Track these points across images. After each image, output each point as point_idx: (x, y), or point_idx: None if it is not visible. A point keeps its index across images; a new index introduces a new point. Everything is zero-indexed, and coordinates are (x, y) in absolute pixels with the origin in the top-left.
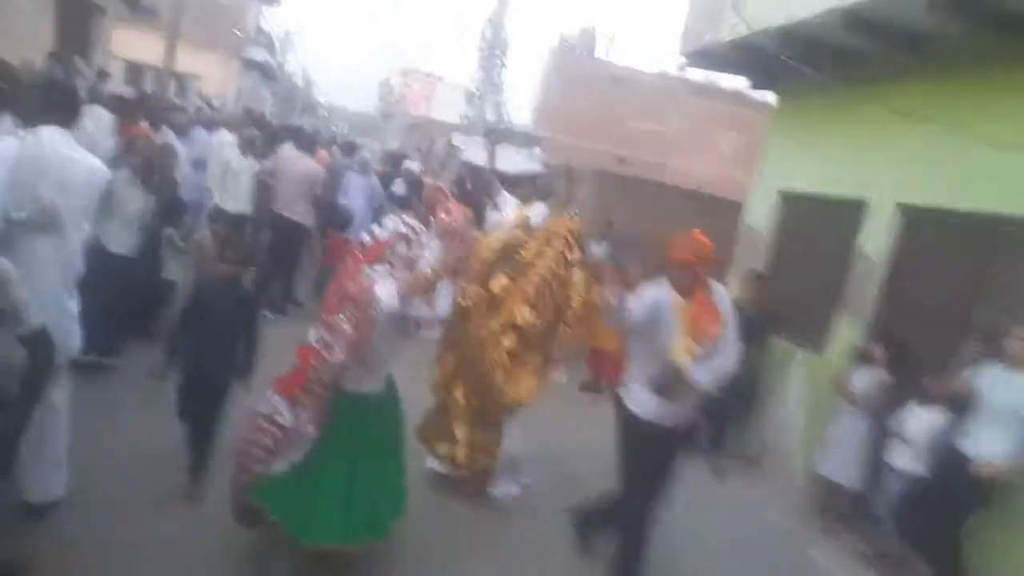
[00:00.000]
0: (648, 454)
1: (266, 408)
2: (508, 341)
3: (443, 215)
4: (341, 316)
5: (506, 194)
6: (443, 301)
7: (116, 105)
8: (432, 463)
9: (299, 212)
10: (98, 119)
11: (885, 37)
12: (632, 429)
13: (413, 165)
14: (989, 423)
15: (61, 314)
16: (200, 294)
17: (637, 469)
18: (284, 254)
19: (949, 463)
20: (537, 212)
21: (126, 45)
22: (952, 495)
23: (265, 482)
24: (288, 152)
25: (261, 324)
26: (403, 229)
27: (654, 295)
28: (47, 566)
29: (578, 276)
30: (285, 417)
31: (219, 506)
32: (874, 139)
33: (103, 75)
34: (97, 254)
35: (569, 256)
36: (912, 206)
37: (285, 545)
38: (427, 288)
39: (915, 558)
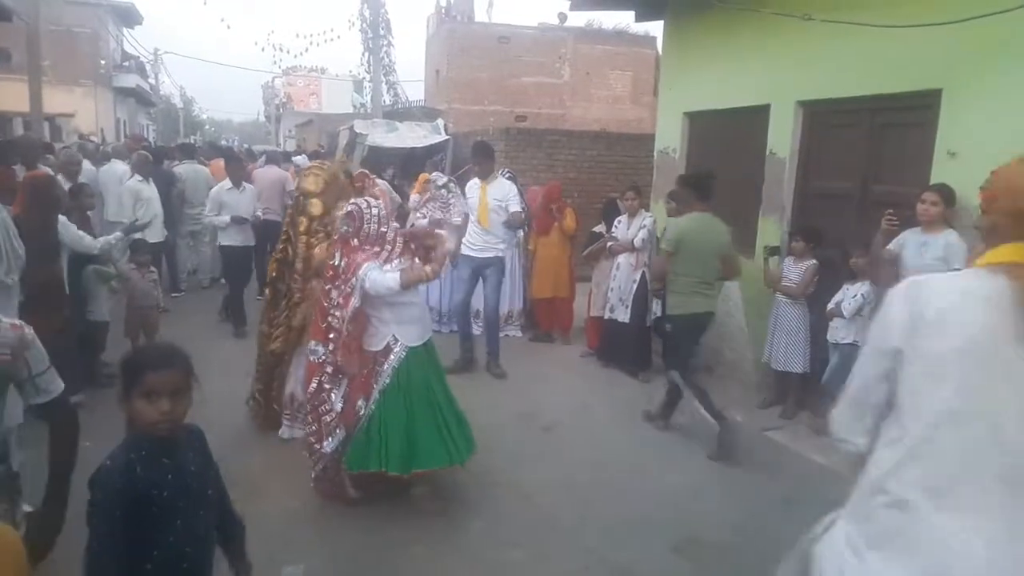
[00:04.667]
0: None
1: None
2: None
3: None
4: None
5: None
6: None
7: None
8: None
9: (275, 211)
10: None
11: None
12: None
13: (300, 159)
14: None
15: None
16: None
17: None
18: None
19: None
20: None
21: None
22: None
23: (352, 450)
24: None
25: None
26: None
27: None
28: None
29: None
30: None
31: None
32: (764, 46)
33: None
34: None
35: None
36: (808, 101)
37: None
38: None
39: None
